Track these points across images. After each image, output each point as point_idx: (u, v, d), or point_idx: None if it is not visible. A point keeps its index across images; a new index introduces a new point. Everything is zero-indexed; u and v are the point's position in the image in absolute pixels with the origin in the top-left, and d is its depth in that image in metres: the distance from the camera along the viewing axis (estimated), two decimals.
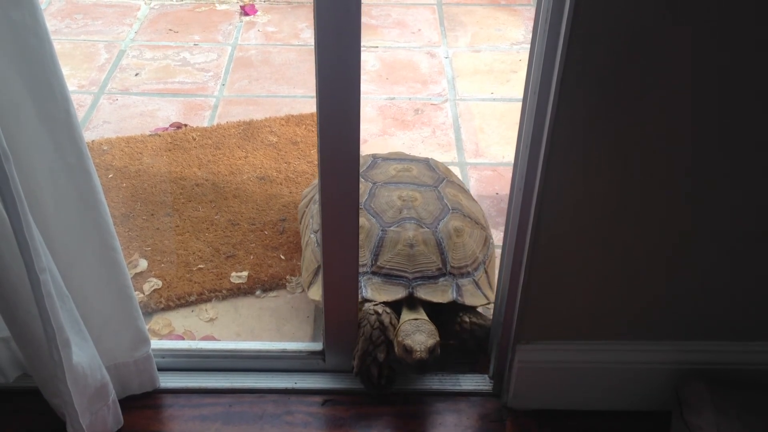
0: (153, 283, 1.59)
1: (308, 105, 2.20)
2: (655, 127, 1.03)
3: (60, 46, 2.46)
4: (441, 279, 1.34)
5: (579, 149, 1.05)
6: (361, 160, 1.58)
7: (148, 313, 1.54)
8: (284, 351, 1.38)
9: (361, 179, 1.47)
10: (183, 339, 1.48)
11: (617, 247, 1.14)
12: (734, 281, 1.18)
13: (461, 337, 1.34)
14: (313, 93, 2.50)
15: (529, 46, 1.04)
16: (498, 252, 1.45)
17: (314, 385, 1.35)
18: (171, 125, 2.11)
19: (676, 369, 1.26)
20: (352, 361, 1.31)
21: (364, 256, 1.34)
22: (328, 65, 1.04)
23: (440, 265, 1.35)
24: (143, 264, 1.63)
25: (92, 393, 1.16)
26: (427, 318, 1.29)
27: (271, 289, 1.60)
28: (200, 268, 1.63)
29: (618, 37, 0.95)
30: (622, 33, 0.95)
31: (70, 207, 1.09)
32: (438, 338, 1.26)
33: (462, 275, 1.36)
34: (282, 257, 1.66)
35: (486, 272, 1.41)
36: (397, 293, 1.32)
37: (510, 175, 1.17)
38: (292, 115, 2.15)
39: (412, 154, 2.00)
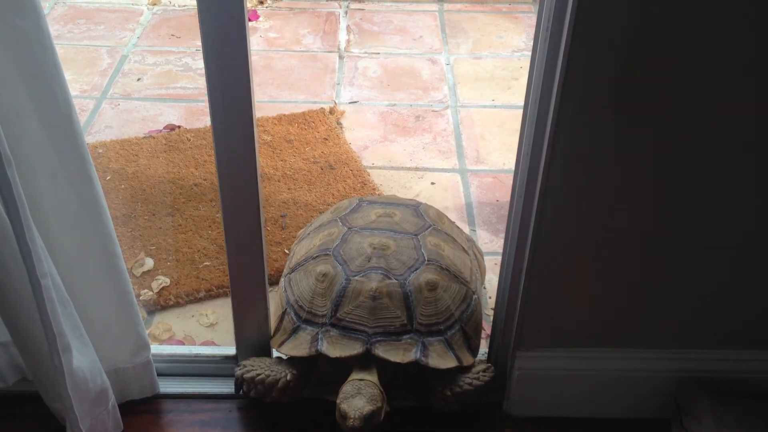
0: (161, 281, 1.60)
1: (307, 108, 2.21)
2: (657, 136, 1.03)
3: (62, 50, 2.46)
4: (405, 336, 1.23)
5: (580, 157, 1.05)
6: (347, 203, 1.48)
7: (158, 310, 1.56)
8: (197, 356, 1.38)
9: (339, 223, 1.38)
10: (183, 344, 1.48)
11: (617, 254, 1.14)
12: (734, 290, 1.18)
13: (450, 408, 1.25)
14: (315, 98, 2.51)
15: (530, 53, 1.04)
16: (495, 261, 1.43)
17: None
18: (165, 127, 2.12)
19: (676, 377, 1.26)
20: (243, 361, 1.29)
21: (326, 306, 1.25)
22: (215, 74, 1.04)
23: (405, 321, 1.23)
24: (150, 263, 1.64)
25: (92, 398, 1.16)
26: (375, 380, 1.19)
27: (276, 283, 1.61)
28: (206, 265, 1.65)
29: (620, 44, 0.95)
30: (623, 41, 0.95)
31: (71, 213, 1.09)
32: (380, 404, 1.16)
33: (431, 333, 1.24)
34: (286, 251, 1.68)
35: (464, 331, 1.28)
36: (353, 349, 1.21)
37: (511, 182, 1.17)
38: (284, 115, 2.17)
39: (413, 166, 2.01)
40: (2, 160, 0.90)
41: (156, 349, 1.36)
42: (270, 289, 1.60)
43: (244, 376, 1.26)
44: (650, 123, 1.02)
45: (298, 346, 1.24)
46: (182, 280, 1.61)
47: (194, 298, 1.59)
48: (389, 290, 1.24)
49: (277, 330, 1.31)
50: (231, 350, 1.36)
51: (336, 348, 1.22)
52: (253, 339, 1.33)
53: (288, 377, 1.24)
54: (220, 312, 1.56)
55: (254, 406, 1.33)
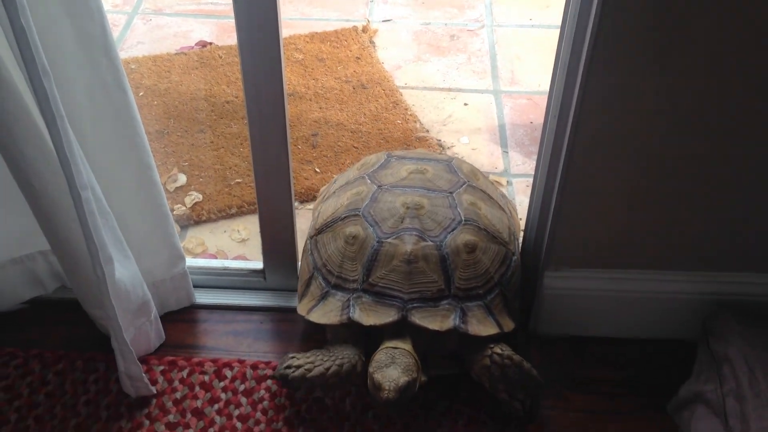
0: (194, 197, 1.63)
1: (340, 26, 2.18)
2: (697, 55, 1.00)
3: None
4: (443, 302, 1.16)
5: (617, 75, 1.02)
6: (375, 158, 1.39)
7: (191, 225, 1.60)
8: (226, 269, 1.41)
9: (367, 180, 1.30)
10: (216, 258, 1.52)
11: (650, 176, 1.13)
12: (766, 212, 1.17)
13: (491, 375, 1.14)
14: (348, 16, 2.46)
15: None
16: (527, 183, 1.43)
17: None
18: (197, 44, 2.11)
19: (704, 299, 1.26)
20: (289, 361, 1.18)
21: (356, 271, 1.18)
22: None
23: (442, 286, 1.16)
24: (182, 178, 1.67)
25: (135, 309, 1.19)
26: (409, 348, 1.13)
27: (307, 201, 1.65)
28: (238, 182, 1.67)
29: None
30: None
31: (106, 125, 1.10)
32: (415, 375, 1.10)
33: (470, 298, 1.17)
34: (317, 170, 1.70)
35: (503, 295, 1.21)
36: (388, 316, 1.14)
37: (545, 104, 1.15)
38: (316, 32, 2.14)
39: (446, 86, 1.98)
40: (39, 71, 0.90)
41: (189, 262, 1.39)
42: (299, 207, 1.63)
43: (311, 368, 1.15)
44: (693, 41, 0.99)
45: (328, 313, 1.19)
46: (214, 196, 1.64)
47: (226, 213, 1.62)
48: (425, 253, 1.17)
49: (303, 295, 1.26)
50: (258, 264, 1.40)
51: (369, 315, 1.15)
52: (280, 255, 1.35)
53: (349, 359, 1.14)
54: (252, 228, 1.59)
55: (283, 319, 1.36)
